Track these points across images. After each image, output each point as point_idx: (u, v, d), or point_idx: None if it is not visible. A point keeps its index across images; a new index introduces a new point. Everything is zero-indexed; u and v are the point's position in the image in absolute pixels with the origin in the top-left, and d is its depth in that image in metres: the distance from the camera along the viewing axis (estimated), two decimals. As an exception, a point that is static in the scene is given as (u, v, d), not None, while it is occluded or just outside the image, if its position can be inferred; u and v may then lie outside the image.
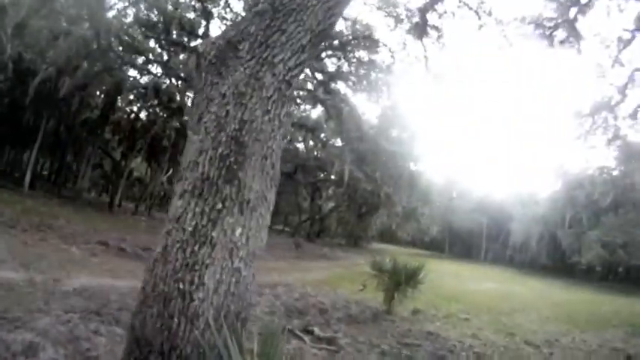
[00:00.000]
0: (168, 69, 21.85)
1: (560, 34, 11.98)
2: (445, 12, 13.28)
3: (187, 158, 2.73)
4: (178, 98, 23.57)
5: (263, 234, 2.82)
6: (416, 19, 14.67)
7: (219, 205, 2.56)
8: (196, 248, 2.53)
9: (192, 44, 22.11)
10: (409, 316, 9.77)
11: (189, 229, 2.55)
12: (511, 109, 71.46)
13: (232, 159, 2.60)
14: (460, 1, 12.30)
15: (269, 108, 2.74)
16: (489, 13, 12.00)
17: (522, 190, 40.42)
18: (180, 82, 23.05)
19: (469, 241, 44.43)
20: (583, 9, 10.02)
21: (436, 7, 12.90)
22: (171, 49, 21.26)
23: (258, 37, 2.79)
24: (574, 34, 10.36)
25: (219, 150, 2.62)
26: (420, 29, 14.12)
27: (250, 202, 2.63)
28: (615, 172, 21.52)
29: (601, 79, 12.16)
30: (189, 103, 25.30)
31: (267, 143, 2.73)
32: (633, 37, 10.48)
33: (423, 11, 13.15)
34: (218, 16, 21.26)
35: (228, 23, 21.19)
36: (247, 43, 2.79)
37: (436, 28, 14.42)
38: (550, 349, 8.39)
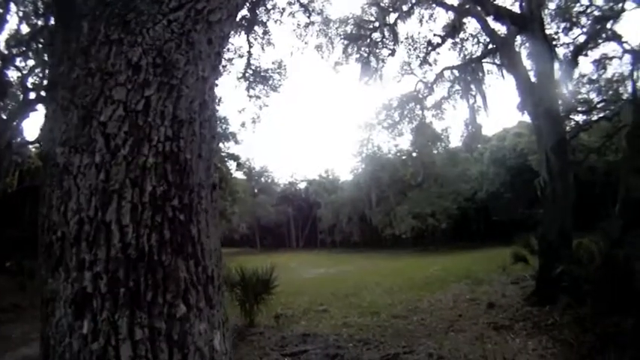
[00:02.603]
0: None
1: (377, 35, 13.34)
2: (275, 7, 13.16)
3: (69, 216, 1.20)
4: None
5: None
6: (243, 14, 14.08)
7: (182, 308, 1.20)
8: None
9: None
10: (273, 323, 9.35)
11: None
12: (320, 104, 78.22)
13: (175, 202, 1.26)
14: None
15: (206, 98, 1.50)
16: (319, 12, 12.31)
17: (326, 178, 45.15)
18: None
19: (279, 232, 46.95)
20: (403, 15, 11.28)
21: (267, 2, 12.63)
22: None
23: None
24: (392, 37, 11.62)
25: (148, 186, 1.22)
26: (249, 24, 13.59)
27: (214, 279, 1.38)
28: (415, 154, 25.85)
29: (410, 76, 13.95)
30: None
31: (210, 161, 1.49)
32: (443, 42, 12.42)
33: (254, 5, 12.64)
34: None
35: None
36: None
37: (263, 24, 14.17)
38: (417, 315, 9.09)
